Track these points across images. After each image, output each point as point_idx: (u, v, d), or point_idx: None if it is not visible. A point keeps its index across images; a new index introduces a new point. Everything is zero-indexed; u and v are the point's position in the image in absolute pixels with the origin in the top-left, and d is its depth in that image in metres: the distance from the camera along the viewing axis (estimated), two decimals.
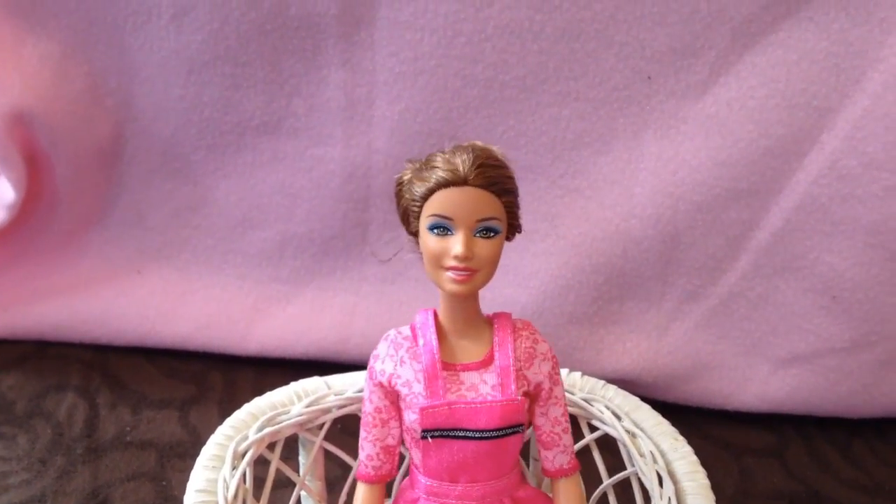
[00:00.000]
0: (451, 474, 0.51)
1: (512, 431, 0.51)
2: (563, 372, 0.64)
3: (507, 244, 0.51)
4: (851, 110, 0.78)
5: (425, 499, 0.52)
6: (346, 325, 0.91)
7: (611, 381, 0.65)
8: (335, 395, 0.62)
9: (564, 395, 0.54)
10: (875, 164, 0.78)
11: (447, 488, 0.52)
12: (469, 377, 0.51)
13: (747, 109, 0.80)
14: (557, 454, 0.53)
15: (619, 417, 0.61)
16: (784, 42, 0.78)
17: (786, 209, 0.82)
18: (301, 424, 0.60)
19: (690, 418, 0.87)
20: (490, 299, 0.89)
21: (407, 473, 0.55)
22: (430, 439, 0.50)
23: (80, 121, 0.87)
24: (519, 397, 0.51)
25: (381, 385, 0.52)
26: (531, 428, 0.55)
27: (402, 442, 0.53)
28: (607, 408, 0.61)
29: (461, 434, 0.50)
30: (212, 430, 0.58)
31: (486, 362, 0.51)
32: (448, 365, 0.51)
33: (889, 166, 0.77)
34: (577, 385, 0.63)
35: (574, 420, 0.63)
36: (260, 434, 0.57)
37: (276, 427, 0.59)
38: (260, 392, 0.62)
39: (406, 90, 0.83)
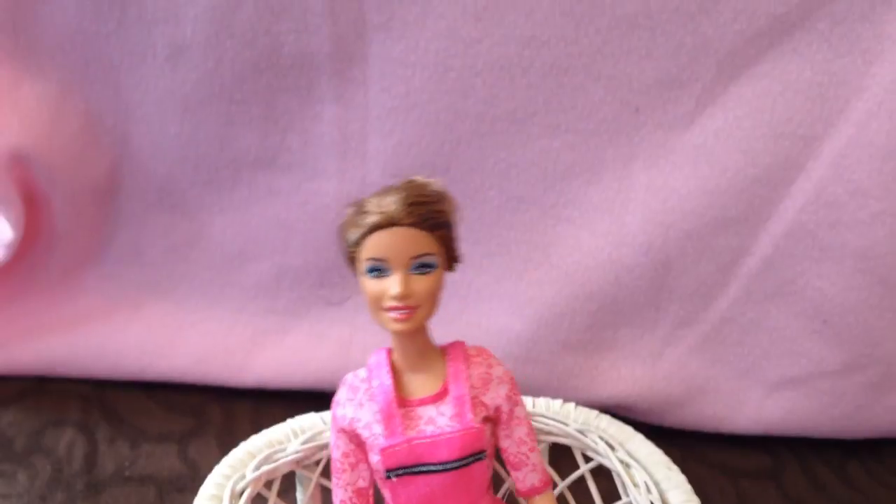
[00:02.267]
0: None
1: (474, 459, 0.51)
2: (557, 402, 0.65)
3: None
4: (837, 139, 0.79)
5: None
6: (342, 355, 0.92)
7: (606, 407, 0.66)
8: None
9: (527, 415, 0.55)
10: (861, 192, 0.79)
11: None
12: (426, 411, 0.52)
13: (734, 139, 0.81)
14: (528, 473, 0.54)
15: (613, 448, 0.61)
16: (769, 73, 0.79)
17: (775, 236, 0.83)
18: (298, 461, 0.61)
19: (686, 442, 0.88)
20: (486, 327, 0.90)
21: None
22: (394, 479, 0.51)
23: (77, 159, 0.88)
24: (477, 424, 0.51)
25: (343, 430, 0.53)
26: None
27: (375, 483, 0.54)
28: (601, 438, 0.62)
29: (424, 469, 0.51)
30: (211, 464, 0.59)
31: (442, 394, 0.52)
32: (405, 401, 0.52)
33: (875, 193, 0.79)
34: (571, 416, 0.64)
35: (569, 451, 0.64)
36: (257, 473, 0.58)
37: (273, 465, 0.59)
38: (259, 424, 0.62)
39: (399, 125, 0.84)
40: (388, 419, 0.51)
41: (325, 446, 0.62)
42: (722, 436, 0.89)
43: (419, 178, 0.51)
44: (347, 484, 0.53)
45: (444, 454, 0.50)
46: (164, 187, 0.91)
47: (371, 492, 0.54)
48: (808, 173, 0.81)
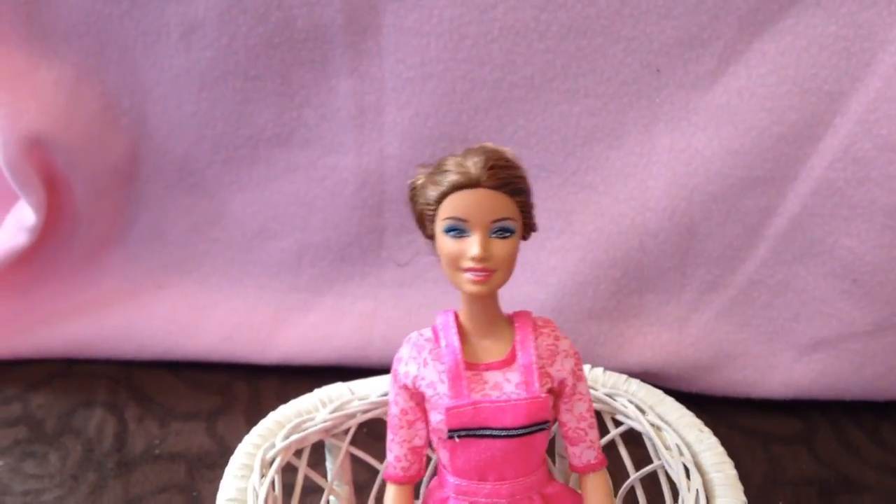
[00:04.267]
0: (480, 473, 0.52)
1: (538, 429, 0.51)
2: (585, 368, 0.64)
3: (523, 242, 0.52)
4: (864, 93, 0.77)
5: (454, 498, 0.53)
6: (366, 330, 0.92)
7: (633, 374, 0.65)
8: (359, 399, 0.62)
9: (589, 391, 0.54)
10: (889, 146, 0.77)
11: (476, 487, 0.52)
12: (492, 376, 0.51)
13: (758, 97, 0.79)
14: (584, 450, 0.54)
15: (643, 411, 0.61)
16: (792, 28, 0.78)
17: (802, 195, 0.82)
18: (327, 430, 0.61)
19: (716, 408, 0.87)
20: (509, 297, 0.89)
21: (435, 474, 0.56)
22: (456, 439, 0.51)
23: (96, 142, 0.89)
24: (543, 394, 0.51)
25: (405, 387, 0.53)
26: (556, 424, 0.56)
27: (430, 443, 0.54)
28: (631, 402, 0.61)
29: (487, 433, 0.50)
30: (239, 440, 0.59)
31: (509, 361, 0.52)
32: (471, 365, 0.51)
33: None
34: (599, 380, 0.64)
35: (598, 415, 0.63)
36: (286, 442, 0.58)
37: (303, 434, 0.59)
38: (285, 400, 0.62)
39: (415, 95, 0.84)
40: (454, 379, 0.51)
41: (353, 415, 0.61)
42: (752, 401, 0.88)
43: (491, 145, 0.50)
44: (404, 441, 0.53)
45: (509, 420, 0.50)
46: (183, 167, 0.91)
47: (426, 451, 0.54)
48: (835, 129, 0.79)
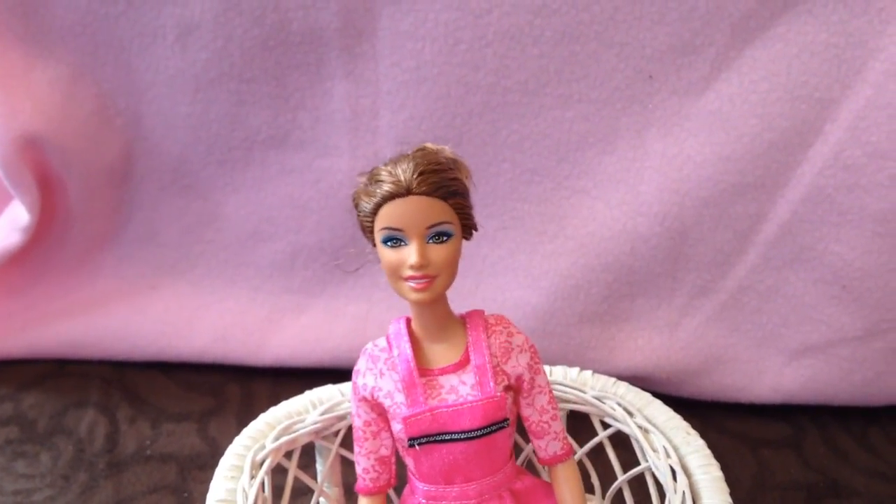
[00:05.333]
0: (446, 477, 0.52)
1: (497, 428, 0.51)
2: (574, 371, 0.65)
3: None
4: (854, 100, 0.78)
5: (425, 503, 0.53)
6: (359, 332, 0.92)
7: (624, 378, 0.65)
8: (349, 402, 0.62)
9: (548, 383, 0.54)
10: (879, 153, 0.78)
11: (444, 491, 0.52)
12: (447, 380, 0.52)
13: (750, 104, 0.80)
14: (549, 442, 0.54)
15: (631, 414, 0.61)
16: (784, 36, 0.78)
17: (792, 201, 0.82)
18: (317, 432, 0.61)
19: (705, 412, 0.87)
20: (501, 301, 0.90)
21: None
22: (417, 447, 0.51)
23: (90, 142, 0.89)
24: (499, 393, 0.51)
25: (364, 399, 0.53)
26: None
27: (397, 450, 0.54)
28: (619, 405, 0.62)
29: (447, 437, 0.51)
30: (231, 441, 0.59)
31: (463, 363, 0.52)
32: (425, 370, 0.52)
33: (893, 154, 0.77)
34: (588, 383, 0.64)
35: (587, 417, 0.64)
36: (277, 443, 0.58)
37: (293, 435, 0.59)
38: (277, 402, 0.63)
39: (410, 99, 0.84)
40: (409, 388, 0.51)
41: (343, 417, 0.62)
42: (741, 405, 0.89)
43: (431, 146, 0.50)
44: (370, 452, 0.54)
45: (467, 423, 0.51)
46: (178, 168, 0.91)
47: (393, 459, 0.54)
48: (825, 136, 0.80)
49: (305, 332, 0.93)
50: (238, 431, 0.60)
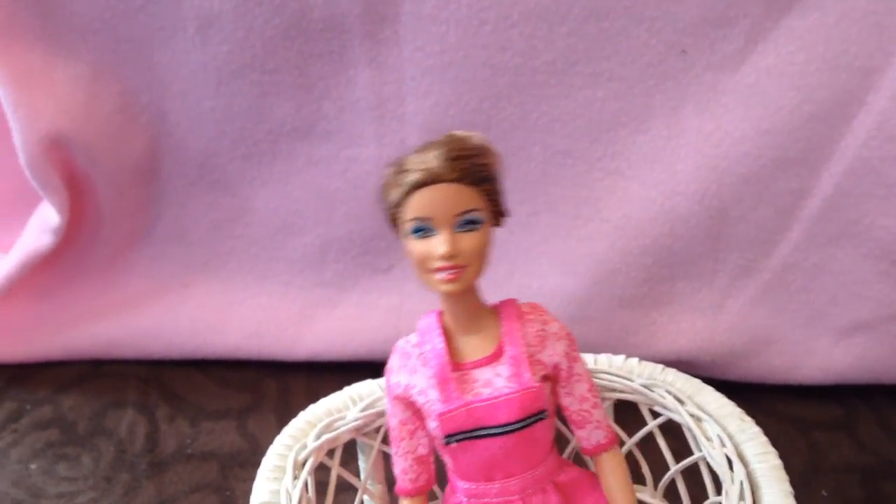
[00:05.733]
0: (486, 473, 0.51)
1: (535, 419, 0.50)
2: (619, 358, 0.63)
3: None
4: None
5: (466, 501, 0.52)
6: (392, 323, 0.91)
7: (667, 363, 0.63)
8: None
9: (587, 371, 0.53)
10: None
11: (485, 488, 0.51)
12: (482, 374, 0.50)
13: (788, 76, 0.77)
14: (592, 431, 0.52)
15: (681, 402, 0.59)
16: (821, 4, 0.75)
17: (836, 175, 0.79)
18: (358, 429, 0.60)
19: (753, 395, 0.84)
20: (537, 288, 0.88)
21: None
22: (454, 444, 0.50)
23: (115, 140, 0.88)
24: (536, 384, 0.49)
25: (399, 398, 0.52)
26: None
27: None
28: (669, 392, 0.60)
29: (484, 433, 0.49)
30: (270, 437, 0.58)
31: (497, 355, 0.50)
32: (459, 365, 0.50)
33: None
34: (635, 371, 0.62)
35: (635, 407, 0.62)
36: (318, 442, 0.57)
37: (334, 434, 0.59)
38: (314, 396, 0.62)
39: (435, 84, 0.82)
40: (442, 384, 0.50)
41: (384, 413, 0.61)
42: (790, 387, 0.87)
43: (459, 132, 0.49)
44: (407, 452, 0.52)
45: (504, 416, 0.49)
46: (204, 163, 0.90)
47: (432, 459, 0.53)
48: (868, 107, 0.77)
49: (339, 325, 0.92)
50: (277, 427, 0.59)
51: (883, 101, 0.76)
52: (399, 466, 0.53)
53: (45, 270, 0.92)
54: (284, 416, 0.61)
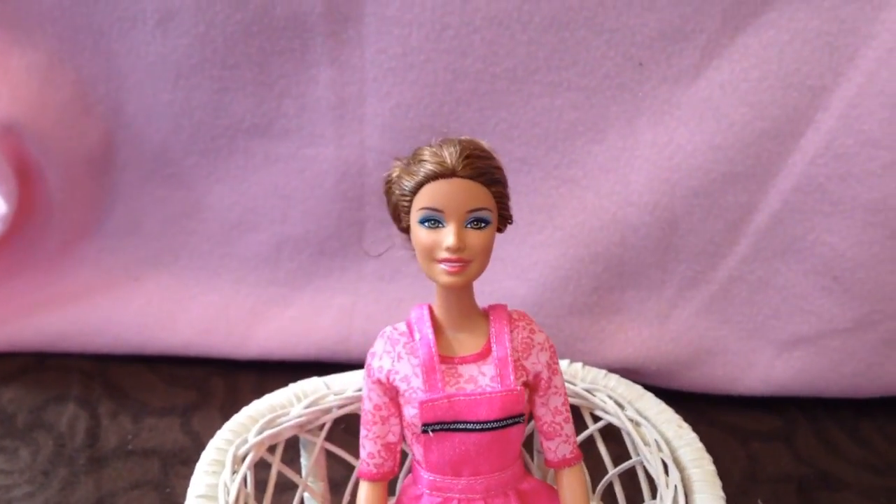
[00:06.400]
0: (454, 468, 0.51)
1: (513, 422, 0.50)
2: (564, 363, 0.64)
3: (502, 237, 0.51)
4: (846, 88, 0.77)
5: (429, 494, 0.52)
6: (345, 324, 0.91)
7: (614, 370, 0.64)
8: (335, 394, 0.61)
9: (564, 385, 0.53)
10: (872, 142, 0.77)
11: (450, 482, 0.51)
12: (467, 370, 0.51)
13: (741, 92, 0.79)
14: (559, 444, 0.53)
15: (622, 406, 0.60)
16: (775, 22, 0.77)
17: (783, 191, 0.81)
18: (301, 426, 0.60)
19: (696, 405, 0.87)
20: (489, 292, 0.88)
21: (410, 471, 0.55)
22: (430, 433, 0.50)
23: (70, 130, 0.87)
24: (518, 387, 0.50)
25: (379, 382, 0.52)
26: (532, 420, 0.55)
27: (404, 439, 0.53)
28: (610, 397, 0.61)
29: (462, 426, 0.50)
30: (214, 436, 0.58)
31: (484, 354, 0.51)
32: (446, 358, 0.51)
33: (886, 143, 0.77)
34: (578, 375, 0.63)
35: (576, 410, 0.62)
36: (259, 437, 0.57)
37: (276, 429, 0.58)
38: (262, 396, 0.61)
39: (396, 86, 0.83)
40: (428, 373, 0.50)
41: (328, 410, 0.60)
42: (732, 398, 0.88)
43: (468, 137, 0.50)
44: (377, 437, 0.52)
45: (484, 413, 0.50)
46: (160, 157, 0.89)
47: (399, 448, 0.53)
48: (817, 125, 0.79)
49: (291, 324, 0.91)
50: (222, 426, 0.59)
51: (831, 120, 0.78)
52: (366, 450, 0.53)
53: None
54: (231, 414, 0.60)
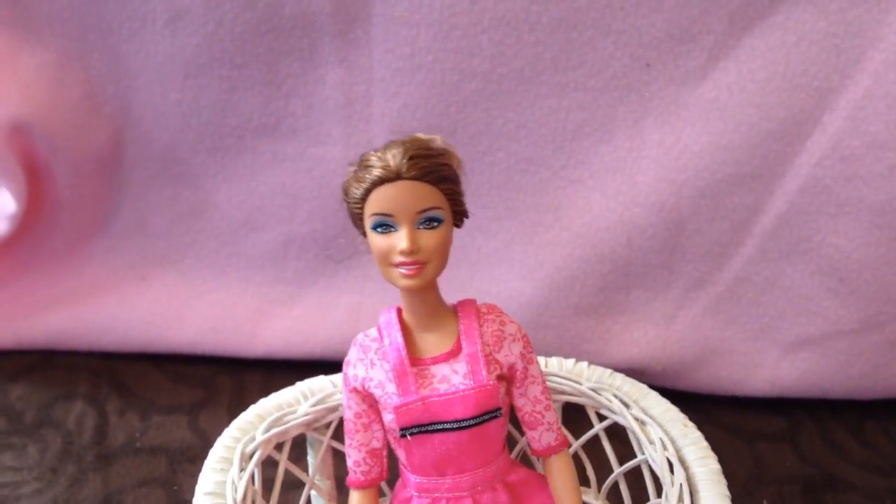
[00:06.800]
0: (438, 468, 0.51)
1: (490, 417, 0.51)
2: (570, 362, 0.64)
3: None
4: (853, 90, 0.77)
5: (417, 497, 0.52)
6: (351, 324, 0.91)
7: (619, 371, 0.64)
8: (341, 393, 0.61)
9: (542, 373, 0.54)
10: (878, 144, 0.77)
11: (436, 483, 0.52)
12: (439, 369, 0.51)
13: (748, 93, 0.79)
14: (543, 432, 0.53)
15: (627, 406, 0.60)
16: (783, 24, 0.77)
17: (790, 192, 0.81)
18: (308, 424, 0.60)
19: (701, 406, 0.87)
20: (496, 292, 0.89)
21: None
22: (409, 437, 0.50)
23: (78, 129, 0.87)
24: (491, 382, 0.50)
25: (355, 391, 0.52)
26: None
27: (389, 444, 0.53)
28: (615, 396, 0.61)
29: (439, 427, 0.50)
30: (221, 433, 0.58)
31: (455, 352, 0.51)
32: (417, 360, 0.51)
33: (892, 145, 0.77)
34: (584, 374, 0.63)
35: (582, 409, 0.63)
36: (267, 435, 0.57)
37: (283, 427, 0.58)
38: (268, 394, 0.62)
39: (404, 86, 0.83)
40: (400, 377, 0.50)
41: (335, 408, 0.61)
42: (737, 399, 0.88)
43: (421, 135, 0.50)
44: (361, 444, 0.53)
45: (460, 412, 0.50)
46: (168, 156, 0.90)
47: (385, 452, 0.54)
48: (823, 126, 0.79)
49: (297, 323, 0.92)
50: (229, 424, 0.59)
51: (838, 121, 0.78)
52: (352, 458, 0.53)
53: None
54: (237, 412, 0.61)
